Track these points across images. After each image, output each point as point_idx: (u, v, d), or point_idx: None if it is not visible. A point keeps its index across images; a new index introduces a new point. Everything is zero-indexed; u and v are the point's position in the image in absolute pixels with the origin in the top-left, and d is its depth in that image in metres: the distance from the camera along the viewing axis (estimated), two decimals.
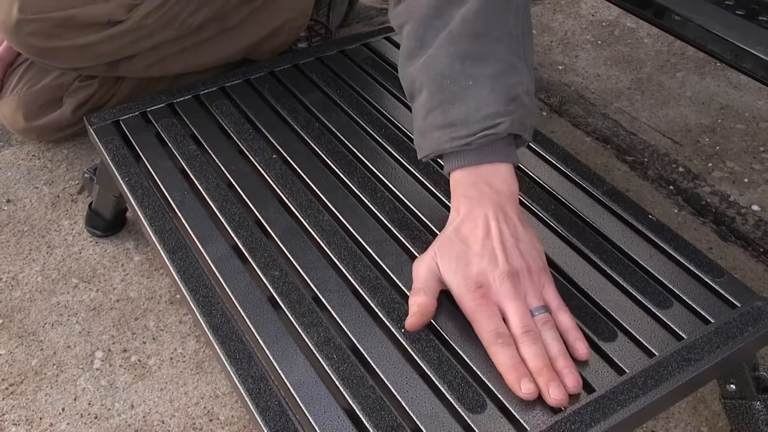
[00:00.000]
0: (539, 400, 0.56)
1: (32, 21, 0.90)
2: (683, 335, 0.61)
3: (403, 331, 0.62)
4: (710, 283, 0.66)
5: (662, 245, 0.69)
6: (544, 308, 0.61)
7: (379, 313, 0.63)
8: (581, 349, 0.59)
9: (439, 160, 0.72)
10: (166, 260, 0.69)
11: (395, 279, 0.66)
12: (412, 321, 0.61)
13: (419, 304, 0.61)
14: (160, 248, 0.71)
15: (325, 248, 0.69)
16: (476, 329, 0.60)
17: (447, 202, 0.74)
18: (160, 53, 1.01)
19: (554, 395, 0.55)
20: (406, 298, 0.64)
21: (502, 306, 0.60)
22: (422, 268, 0.64)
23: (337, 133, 0.84)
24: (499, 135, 0.63)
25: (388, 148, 0.81)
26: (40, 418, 0.79)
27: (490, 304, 0.60)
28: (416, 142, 0.68)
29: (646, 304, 0.64)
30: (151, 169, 0.79)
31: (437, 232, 0.71)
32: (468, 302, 0.60)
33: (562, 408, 0.56)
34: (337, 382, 0.58)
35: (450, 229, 0.64)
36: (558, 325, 0.60)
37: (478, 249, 0.61)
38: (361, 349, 0.61)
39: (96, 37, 0.94)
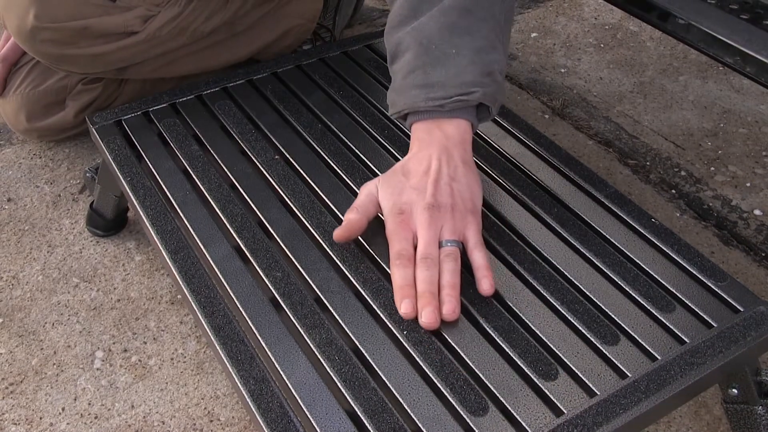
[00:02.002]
0: (541, 402, 0.56)
1: (47, 29, 0.90)
2: (686, 339, 0.61)
3: (405, 333, 0.61)
4: (713, 287, 0.66)
5: (665, 249, 0.69)
6: (454, 242, 0.65)
7: (381, 315, 0.63)
8: (485, 285, 0.64)
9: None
10: (168, 260, 0.69)
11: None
12: (338, 233, 0.69)
13: (349, 219, 0.68)
14: (161, 248, 0.71)
15: (328, 249, 0.69)
16: (389, 249, 0.66)
17: None
18: (168, 57, 1.01)
19: (425, 318, 0.61)
20: None
21: (417, 233, 0.65)
22: (364, 191, 0.70)
23: (340, 134, 0.84)
24: (470, 102, 0.68)
25: (391, 149, 0.81)
26: (40, 418, 0.79)
27: (406, 230, 0.66)
28: (390, 99, 0.72)
29: (649, 307, 0.64)
30: (153, 169, 0.79)
31: None
32: (389, 224, 0.67)
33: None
34: (338, 384, 0.58)
35: (398, 164, 0.70)
36: (471, 262, 0.65)
37: (414, 182, 0.67)
38: (363, 351, 0.60)
39: (110, 47, 0.94)
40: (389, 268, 0.66)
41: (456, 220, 0.66)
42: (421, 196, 0.66)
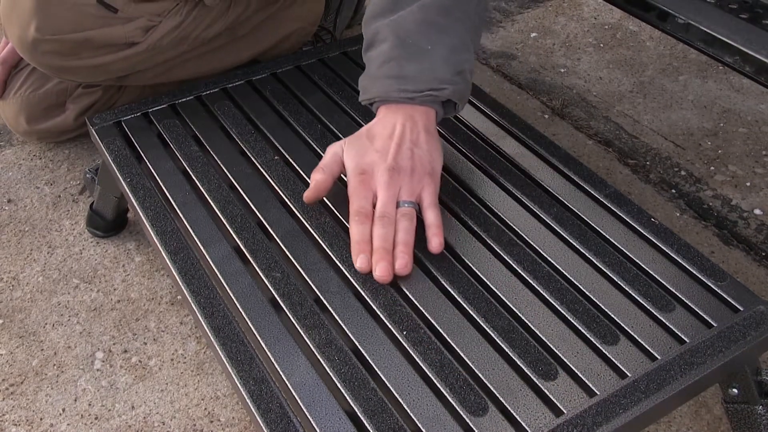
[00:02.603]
0: (541, 402, 0.57)
1: (49, 41, 0.90)
2: (686, 339, 0.61)
3: (404, 333, 0.62)
4: (713, 286, 0.66)
5: (665, 249, 0.69)
6: (411, 203, 0.69)
7: (381, 315, 0.63)
8: (434, 243, 0.68)
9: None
10: (168, 261, 0.69)
11: (396, 281, 0.66)
12: (308, 194, 0.73)
13: (317, 180, 0.72)
14: (161, 249, 0.71)
15: (327, 250, 0.69)
16: (350, 206, 0.70)
17: (448, 203, 0.74)
18: (168, 64, 1.01)
19: (378, 271, 0.65)
20: (408, 300, 0.64)
21: (377, 193, 0.69)
22: (330, 152, 0.74)
23: (339, 135, 0.84)
24: (440, 98, 0.72)
25: None
26: (41, 419, 0.79)
27: (366, 189, 0.70)
28: (363, 85, 0.75)
29: (649, 307, 0.64)
30: (152, 170, 0.79)
31: None
32: (351, 183, 0.71)
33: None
34: (338, 384, 0.58)
35: (364, 128, 0.74)
36: (424, 221, 0.69)
37: (378, 145, 0.71)
38: (363, 351, 0.60)
39: (111, 58, 0.94)
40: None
41: (414, 183, 0.70)
42: (383, 158, 0.70)
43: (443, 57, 0.71)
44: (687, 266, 0.68)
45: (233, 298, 0.65)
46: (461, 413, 0.56)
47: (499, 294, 0.65)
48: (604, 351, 0.60)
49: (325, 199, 0.73)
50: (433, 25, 0.71)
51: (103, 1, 0.89)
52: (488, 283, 0.66)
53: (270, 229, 0.72)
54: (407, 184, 0.70)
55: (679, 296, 0.65)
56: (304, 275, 0.67)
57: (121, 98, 1.08)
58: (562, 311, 0.64)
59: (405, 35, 0.71)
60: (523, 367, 0.59)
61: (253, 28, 1.06)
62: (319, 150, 0.81)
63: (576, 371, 0.59)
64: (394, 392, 0.57)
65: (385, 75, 0.72)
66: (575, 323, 0.63)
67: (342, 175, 0.74)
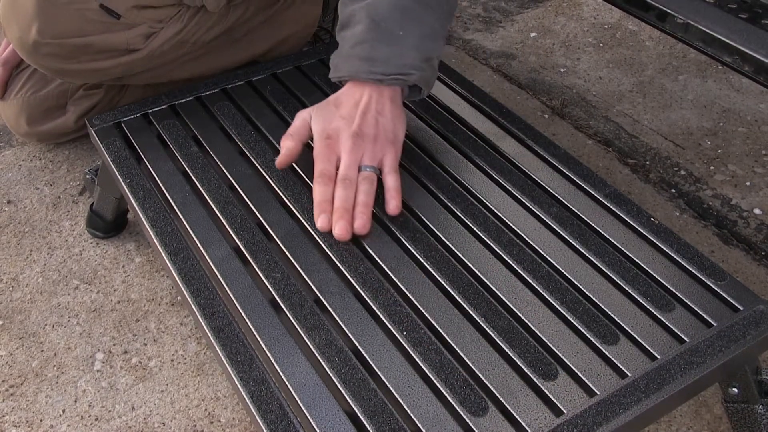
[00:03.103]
0: (541, 402, 0.57)
1: (49, 44, 0.89)
2: (685, 338, 0.61)
3: (404, 334, 0.62)
4: (712, 286, 0.66)
5: (664, 248, 0.69)
6: (373, 168, 0.73)
7: (381, 316, 0.63)
8: (391, 206, 0.72)
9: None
10: (168, 262, 0.69)
11: (397, 281, 0.66)
12: (279, 160, 0.77)
13: (287, 146, 0.76)
14: (161, 250, 0.71)
15: (327, 250, 0.69)
16: (314, 168, 0.73)
17: (448, 203, 0.74)
18: (167, 67, 1.01)
19: (337, 230, 0.69)
20: (408, 300, 0.64)
21: (341, 157, 0.73)
22: (299, 118, 0.78)
23: None
24: (407, 82, 0.75)
25: None
26: (41, 420, 0.79)
27: (331, 153, 0.73)
28: (334, 63, 0.78)
29: (648, 307, 0.64)
30: (152, 171, 0.79)
31: (438, 233, 0.71)
32: (316, 147, 0.74)
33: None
34: (338, 385, 0.58)
35: (332, 96, 0.77)
36: (384, 185, 0.73)
37: (344, 112, 0.75)
38: (363, 352, 0.60)
39: (111, 63, 0.94)
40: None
41: (376, 149, 0.74)
42: (348, 124, 0.74)
43: (413, 44, 0.74)
44: (687, 266, 0.68)
45: (233, 298, 0.65)
46: (461, 413, 0.56)
47: (499, 294, 0.65)
48: (604, 351, 0.60)
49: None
50: (407, 11, 0.74)
51: (106, 7, 0.89)
52: (488, 283, 0.66)
53: (270, 230, 0.72)
54: (370, 149, 0.74)
55: (679, 296, 0.65)
56: (304, 276, 0.67)
57: (121, 101, 1.08)
58: (562, 311, 0.64)
59: (379, 19, 0.74)
60: (523, 367, 0.59)
61: (250, 30, 1.06)
62: None
63: (576, 371, 0.59)
64: (394, 392, 0.57)
65: (356, 55, 0.75)
66: (575, 323, 0.63)
67: (309, 140, 0.77)
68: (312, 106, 0.78)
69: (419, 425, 0.55)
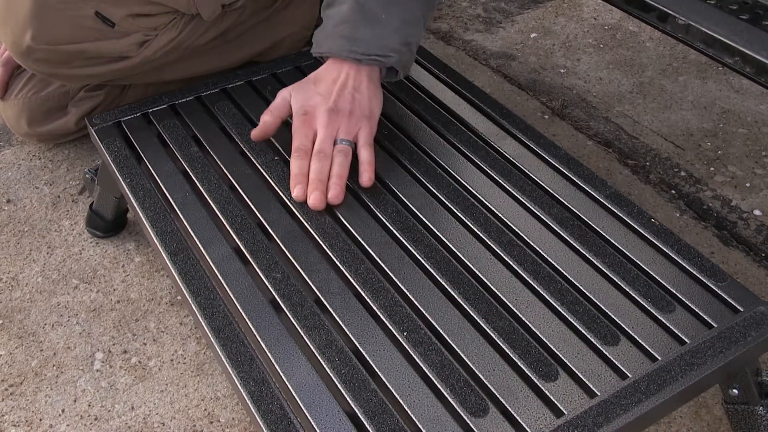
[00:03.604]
0: (541, 403, 0.57)
1: (43, 50, 0.89)
2: (686, 339, 0.61)
3: (405, 334, 0.61)
4: (713, 287, 0.66)
5: (665, 249, 0.69)
6: (348, 142, 0.77)
7: (381, 316, 0.63)
8: (364, 178, 0.76)
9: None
10: (168, 262, 0.69)
11: (397, 282, 0.66)
12: (254, 132, 0.81)
13: (265, 121, 0.80)
14: (161, 250, 0.70)
15: (327, 251, 0.69)
16: (292, 143, 0.77)
17: (449, 204, 0.74)
18: (160, 70, 1.01)
19: (311, 199, 0.73)
20: (408, 301, 0.64)
21: (317, 132, 0.77)
22: (279, 96, 0.81)
23: None
24: (384, 64, 0.79)
25: (390, 150, 0.81)
26: (40, 420, 0.79)
27: (308, 128, 0.77)
28: (317, 39, 0.81)
29: (649, 308, 0.64)
30: (152, 171, 0.79)
31: (439, 234, 0.71)
32: (294, 122, 0.78)
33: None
34: (338, 385, 0.58)
35: (313, 74, 0.81)
36: (358, 158, 0.77)
37: (322, 89, 0.78)
38: (363, 352, 0.60)
39: (103, 69, 0.94)
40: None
41: (351, 124, 0.77)
42: (325, 100, 0.77)
43: (395, 27, 0.78)
44: (687, 267, 0.68)
45: (233, 298, 0.65)
46: (462, 414, 0.56)
47: (500, 294, 0.65)
48: (604, 352, 0.60)
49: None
50: None
51: (101, 15, 0.89)
52: (488, 283, 0.66)
53: (270, 230, 0.72)
54: (345, 124, 0.77)
55: (680, 297, 0.65)
56: (305, 276, 0.67)
57: (122, 102, 1.08)
58: (563, 312, 0.64)
59: (363, 1, 0.77)
60: (523, 368, 0.59)
61: (245, 32, 1.06)
62: None
63: (576, 372, 0.59)
64: (394, 393, 0.57)
65: (339, 34, 0.78)
66: (576, 324, 0.63)
67: (289, 118, 0.80)
68: (292, 85, 0.81)
69: (419, 426, 0.55)
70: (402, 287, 0.66)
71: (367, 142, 0.78)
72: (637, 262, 0.68)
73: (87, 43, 0.90)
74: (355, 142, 0.78)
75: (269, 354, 0.60)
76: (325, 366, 0.59)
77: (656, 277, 0.67)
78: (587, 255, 0.69)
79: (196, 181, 0.78)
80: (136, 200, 0.76)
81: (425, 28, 0.82)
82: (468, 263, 0.68)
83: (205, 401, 0.80)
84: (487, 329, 0.62)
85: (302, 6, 1.11)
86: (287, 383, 0.58)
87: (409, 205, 0.74)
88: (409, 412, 0.56)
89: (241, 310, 0.64)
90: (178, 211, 0.74)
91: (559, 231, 0.71)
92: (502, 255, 0.69)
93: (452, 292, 0.65)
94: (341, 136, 0.77)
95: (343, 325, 0.63)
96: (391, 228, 0.72)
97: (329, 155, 0.75)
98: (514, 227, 0.72)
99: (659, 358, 0.60)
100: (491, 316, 0.63)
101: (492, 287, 0.66)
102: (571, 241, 0.70)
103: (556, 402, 0.57)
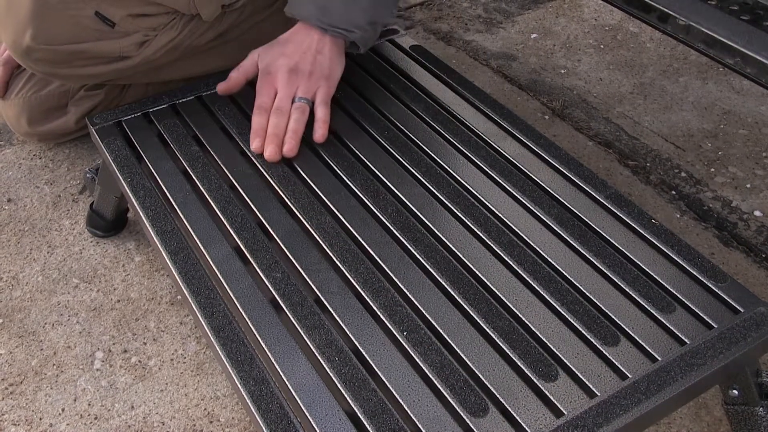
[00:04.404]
0: (541, 403, 0.57)
1: (43, 50, 0.89)
2: (686, 340, 0.61)
3: (405, 334, 0.61)
4: (713, 288, 0.66)
5: (665, 250, 0.69)
6: (305, 100, 0.82)
7: (381, 316, 0.63)
8: (317, 134, 0.82)
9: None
10: (168, 261, 0.69)
11: (397, 281, 0.66)
12: (220, 86, 0.88)
13: (231, 77, 0.87)
14: (161, 249, 0.71)
15: (327, 250, 0.69)
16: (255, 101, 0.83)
17: (449, 204, 0.74)
18: (159, 70, 1.01)
19: (267, 152, 0.79)
20: (408, 300, 0.64)
21: (277, 90, 0.83)
22: (249, 56, 0.87)
23: (340, 135, 0.84)
24: (348, 38, 0.85)
25: (391, 150, 0.81)
26: (40, 419, 0.79)
27: (269, 87, 0.83)
28: (290, 2, 0.86)
29: (649, 308, 0.64)
30: (152, 170, 0.79)
31: (439, 234, 0.71)
32: (258, 82, 0.85)
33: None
34: (338, 385, 0.58)
35: (283, 36, 0.86)
36: (314, 116, 0.83)
37: (287, 50, 0.84)
38: (363, 352, 0.60)
39: (103, 69, 0.94)
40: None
41: (311, 83, 0.83)
42: (287, 61, 0.83)
43: (364, 6, 0.84)
44: (687, 267, 0.68)
45: (233, 298, 0.65)
46: (461, 414, 0.56)
47: (500, 295, 0.65)
48: (604, 352, 0.60)
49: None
50: None
51: (101, 15, 0.89)
52: (489, 283, 0.66)
53: (270, 229, 0.72)
54: (304, 84, 0.83)
55: (680, 297, 0.65)
56: (305, 275, 0.67)
57: (122, 102, 1.08)
58: (563, 312, 0.64)
59: None
60: (523, 368, 0.59)
61: (246, 31, 1.06)
62: (319, 150, 0.81)
63: (576, 372, 0.59)
64: (394, 393, 0.57)
65: (313, 2, 0.84)
66: (576, 324, 0.63)
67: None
68: (263, 46, 0.87)
69: (419, 425, 0.55)
70: (402, 287, 0.66)
71: (324, 101, 0.83)
72: (638, 262, 0.68)
73: (87, 43, 0.90)
74: (313, 101, 0.83)
75: (269, 353, 0.60)
76: (325, 366, 0.59)
77: (656, 277, 0.67)
78: (587, 255, 0.69)
79: (196, 180, 0.78)
80: (137, 200, 0.76)
81: (394, 12, 0.89)
82: (468, 263, 0.68)
83: (205, 401, 0.80)
84: (487, 329, 0.62)
85: None
86: (287, 383, 0.58)
87: (409, 205, 0.74)
88: (408, 411, 0.56)
89: (241, 310, 0.64)
90: (179, 211, 0.74)
91: (559, 231, 0.71)
92: (503, 255, 0.69)
93: (452, 292, 0.65)
94: (299, 94, 0.82)
95: (343, 325, 0.63)
96: (391, 228, 0.72)
97: (286, 112, 0.81)
98: (514, 227, 0.72)
99: (659, 358, 0.60)
100: (491, 316, 0.63)
101: (492, 287, 0.66)
102: (572, 242, 0.70)
103: (555, 402, 0.57)
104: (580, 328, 0.62)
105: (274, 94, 0.83)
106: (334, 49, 0.85)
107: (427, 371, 0.59)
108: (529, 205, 0.74)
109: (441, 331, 0.62)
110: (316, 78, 0.84)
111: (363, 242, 0.70)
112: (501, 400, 0.57)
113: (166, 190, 0.77)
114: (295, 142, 0.80)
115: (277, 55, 0.85)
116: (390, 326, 0.62)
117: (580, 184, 0.77)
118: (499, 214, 0.73)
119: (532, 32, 1.44)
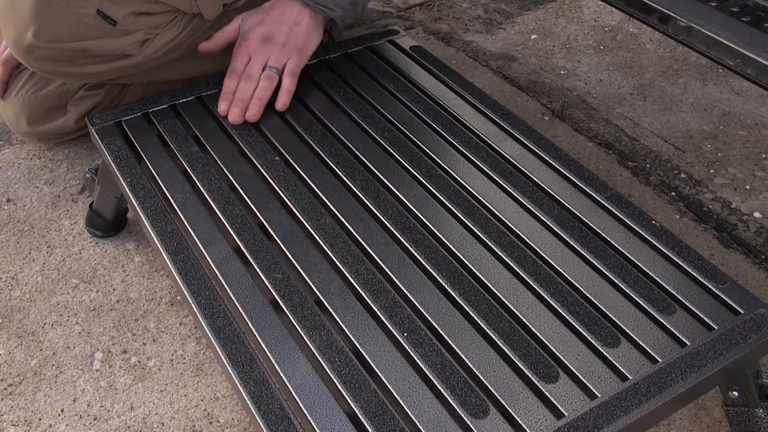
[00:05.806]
0: (542, 404, 0.56)
1: (45, 48, 0.89)
2: (686, 342, 0.61)
3: (405, 335, 0.61)
4: (713, 289, 0.66)
5: (666, 251, 0.69)
6: (275, 69, 0.87)
7: (382, 317, 0.63)
8: (279, 102, 0.87)
9: None
10: (168, 262, 0.69)
11: (397, 282, 0.66)
12: (201, 45, 0.94)
13: (214, 36, 0.93)
14: (161, 249, 0.70)
15: (328, 251, 0.69)
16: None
17: (450, 205, 0.74)
18: (160, 69, 1.01)
19: (231, 115, 0.85)
20: (408, 301, 0.64)
21: (251, 57, 0.88)
22: (233, 21, 0.92)
23: (340, 136, 0.84)
24: (327, 15, 0.91)
25: (391, 151, 0.81)
26: (39, 419, 0.78)
27: (244, 54, 0.89)
28: None
29: (650, 310, 0.64)
30: (152, 170, 0.79)
31: (440, 235, 0.71)
32: (235, 48, 0.90)
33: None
34: (339, 386, 0.58)
35: (268, 4, 0.91)
36: (280, 85, 0.87)
37: (267, 20, 0.89)
38: (364, 353, 0.60)
39: (105, 67, 0.94)
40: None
41: (283, 54, 0.88)
42: (264, 29, 0.88)
43: None
44: (688, 269, 0.68)
45: (233, 298, 0.65)
46: (462, 415, 0.56)
47: (500, 296, 0.65)
48: (605, 353, 0.60)
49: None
50: None
51: (103, 13, 0.89)
52: (489, 284, 0.66)
53: (270, 230, 0.72)
54: (276, 53, 0.87)
55: (680, 299, 0.65)
56: (305, 276, 0.67)
57: (122, 101, 1.08)
58: (563, 313, 0.64)
59: None
60: (524, 369, 0.59)
61: None
62: (319, 151, 0.81)
63: (577, 373, 0.59)
64: (394, 394, 0.57)
65: None
66: (576, 325, 0.63)
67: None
68: (248, 11, 0.91)
69: (420, 426, 0.55)
70: (402, 288, 0.66)
71: (292, 71, 0.87)
72: (638, 263, 0.68)
73: (89, 41, 0.90)
74: (282, 70, 0.87)
75: (269, 354, 0.60)
76: (325, 366, 0.59)
77: (656, 278, 0.67)
78: (588, 256, 0.69)
79: (196, 180, 0.78)
80: (137, 200, 0.76)
81: None
82: (468, 264, 0.68)
83: (205, 401, 0.80)
84: (487, 330, 0.62)
85: None
86: (287, 383, 0.58)
87: (410, 205, 0.74)
88: (409, 412, 0.56)
89: (241, 311, 0.64)
90: (179, 211, 0.74)
91: (559, 232, 0.71)
92: (503, 256, 0.69)
93: (453, 293, 0.65)
94: (270, 63, 0.87)
95: (343, 326, 0.63)
96: (391, 228, 0.72)
97: (255, 79, 0.86)
98: (514, 228, 0.72)
99: (659, 359, 0.60)
100: (492, 317, 0.63)
101: (492, 288, 0.66)
102: (572, 243, 0.70)
103: (556, 403, 0.57)
104: (581, 330, 0.62)
105: (248, 60, 0.88)
106: (311, 24, 0.89)
107: (427, 372, 0.59)
108: (529, 206, 0.74)
109: (441, 332, 0.62)
110: (289, 49, 0.88)
111: (363, 243, 0.70)
112: (501, 401, 0.57)
113: (166, 191, 0.77)
114: (258, 108, 0.85)
115: (256, 22, 0.89)
116: (390, 327, 0.62)
117: (580, 185, 0.77)
118: (500, 215, 0.73)
119: (532, 33, 1.44)
